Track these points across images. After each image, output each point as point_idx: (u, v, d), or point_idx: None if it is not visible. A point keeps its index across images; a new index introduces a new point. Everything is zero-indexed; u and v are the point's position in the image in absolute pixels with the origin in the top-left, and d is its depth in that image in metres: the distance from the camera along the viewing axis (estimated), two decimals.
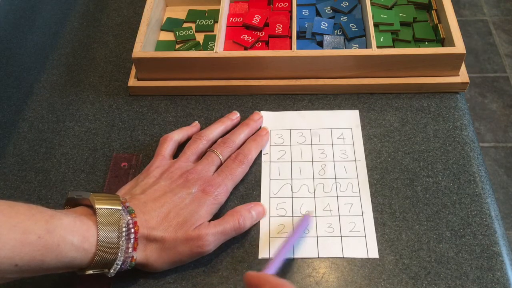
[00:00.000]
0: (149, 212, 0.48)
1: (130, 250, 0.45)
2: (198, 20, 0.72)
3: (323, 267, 0.50)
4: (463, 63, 0.62)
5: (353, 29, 0.66)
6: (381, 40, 0.65)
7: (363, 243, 0.51)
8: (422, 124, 0.60)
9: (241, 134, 0.58)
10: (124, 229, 0.44)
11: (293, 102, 0.63)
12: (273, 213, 0.53)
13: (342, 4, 0.70)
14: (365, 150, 0.58)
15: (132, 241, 0.45)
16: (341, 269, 0.49)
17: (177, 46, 0.69)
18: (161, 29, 0.72)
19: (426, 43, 0.65)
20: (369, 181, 0.55)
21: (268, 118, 0.62)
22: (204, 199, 0.50)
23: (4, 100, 0.66)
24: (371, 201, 0.54)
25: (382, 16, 0.67)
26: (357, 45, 0.65)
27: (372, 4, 0.68)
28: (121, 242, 0.44)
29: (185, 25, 0.72)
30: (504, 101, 1.70)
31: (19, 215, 0.41)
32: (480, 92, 1.73)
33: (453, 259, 0.50)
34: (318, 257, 0.50)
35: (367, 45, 0.64)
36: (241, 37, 0.67)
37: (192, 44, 0.68)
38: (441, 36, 0.64)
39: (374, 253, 0.50)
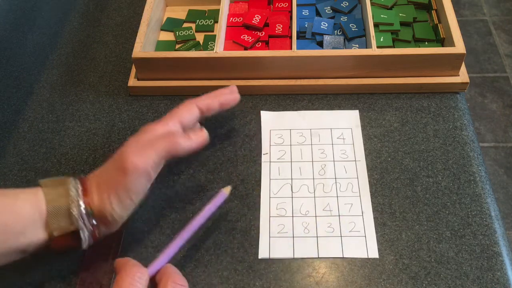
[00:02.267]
0: (95, 174, 0.48)
1: (80, 193, 0.46)
2: (198, 20, 0.72)
3: (323, 267, 0.50)
4: (463, 63, 0.62)
5: (353, 29, 0.66)
6: (381, 40, 0.65)
7: (363, 243, 0.51)
8: (422, 124, 0.60)
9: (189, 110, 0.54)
10: (72, 192, 0.45)
11: (293, 102, 0.63)
12: (273, 213, 0.53)
13: (342, 4, 0.70)
14: (365, 150, 0.58)
15: (84, 206, 0.45)
16: (341, 269, 0.49)
17: (177, 46, 0.69)
18: (161, 29, 0.72)
19: (426, 43, 0.65)
20: (369, 181, 0.55)
21: (268, 118, 0.62)
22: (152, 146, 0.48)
23: (4, 100, 0.66)
24: (371, 201, 0.54)
25: (382, 16, 0.67)
26: (357, 45, 0.65)
27: (372, 4, 0.68)
28: (69, 203, 0.45)
29: (185, 25, 0.72)
30: (504, 101, 1.70)
31: None
32: (480, 92, 1.72)
33: (453, 259, 0.50)
34: (318, 257, 0.50)
35: (367, 45, 0.64)
36: (241, 37, 0.67)
37: (192, 44, 0.68)
38: (441, 36, 0.64)
39: (374, 253, 0.50)
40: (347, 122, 0.61)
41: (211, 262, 0.50)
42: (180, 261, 0.51)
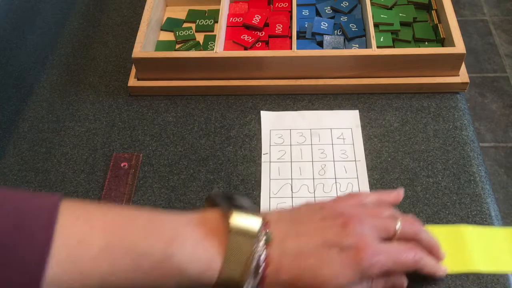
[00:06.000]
0: (286, 246, 0.40)
1: (255, 286, 0.39)
2: (198, 20, 0.72)
3: None
4: (463, 63, 0.62)
5: (353, 29, 0.66)
6: (381, 40, 0.65)
7: None
8: (422, 124, 0.60)
9: (430, 238, 0.46)
10: (253, 264, 0.38)
11: (293, 102, 0.63)
12: None
13: (342, 4, 0.70)
14: (365, 150, 0.58)
15: (259, 278, 0.39)
16: None
17: (177, 46, 0.69)
18: (161, 29, 0.72)
19: (426, 43, 0.65)
20: (369, 181, 0.55)
21: (268, 118, 0.62)
22: (350, 261, 0.40)
23: (4, 100, 0.66)
24: None
25: (382, 16, 0.67)
26: (357, 45, 0.65)
27: (372, 4, 0.68)
28: (246, 276, 0.38)
29: (185, 25, 0.72)
30: (504, 101, 1.70)
31: (137, 233, 0.37)
32: (480, 92, 1.72)
33: None
34: None
35: (367, 45, 0.64)
36: (241, 37, 0.67)
37: (192, 44, 0.68)
38: (441, 36, 0.64)
39: None
40: (347, 122, 0.61)
41: None
42: None
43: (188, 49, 0.68)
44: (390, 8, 0.68)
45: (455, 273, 0.48)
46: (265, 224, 0.40)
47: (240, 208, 0.40)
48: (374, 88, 0.63)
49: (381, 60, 0.61)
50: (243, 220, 0.39)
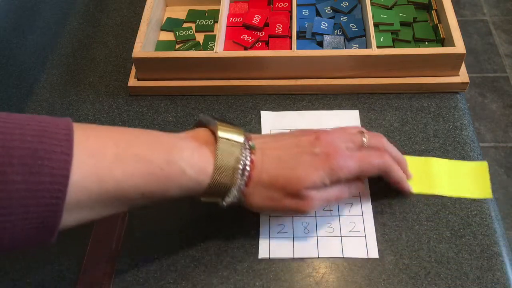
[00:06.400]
0: (267, 153, 0.47)
1: (242, 186, 0.46)
2: (198, 20, 0.72)
3: (323, 267, 0.50)
4: (463, 63, 0.62)
5: (353, 29, 0.66)
6: (381, 40, 0.65)
7: (363, 243, 0.51)
8: (422, 124, 0.60)
9: (396, 151, 0.53)
10: (240, 166, 0.45)
11: (293, 102, 0.63)
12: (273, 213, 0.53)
13: (342, 4, 0.70)
14: None
15: (245, 179, 0.45)
16: (341, 269, 0.49)
17: (177, 46, 0.69)
18: (161, 29, 0.72)
19: (426, 43, 0.65)
20: (369, 181, 0.55)
21: (268, 118, 0.62)
22: (322, 164, 0.47)
23: (4, 100, 0.66)
24: (371, 201, 0.54)
25: (382, 16, 0.67)
26: (357, 45, 0.65)
27: (372, 4, 0.68)
28: (235, 178, 0.45)
29: (185, 25, 0.72)
30: (504, 101, 1.70)
31: (142, 146, 0.42)
32: (480, 92, 1.73)
33: (453, 259, 0.50)
34: (318, 257, 0.50)
35: (367, 45, 0.64)
36: (241, 37, 0.67)
37: (192, 44, 0.68)
38: (441, 36, 0.64)
39: (374, 253, 0.50)
40: (347, 122, 0.61)
41: (211, 262, 0.50)
42: (180, 261, 0.51)
43: (188, 49, 0.68)
44: (390, 8, 0.68)
45: (420, 194, 0.54)
46: (248, 137, 0.47)
47: (227, 124, 0.47)
48: (374, 88, 0.63)
49: (381, 60, 0.61)
50: (229, 133, 0.46)
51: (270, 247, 0.51)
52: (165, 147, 0.43)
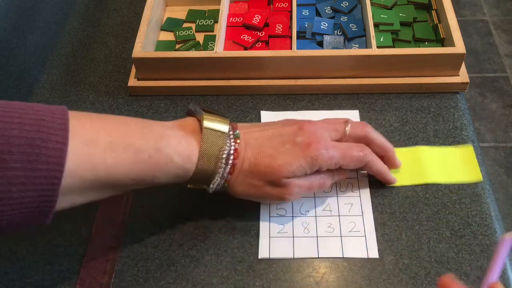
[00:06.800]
0: (250, 142, 0.49)
1: (226, 174, 0.48)
2: (198, 20, 0.72)
3: (323, 267, 0.50)
4: (463, 63, 0.62)
5: (353, 29, 0.66)
6: (381, 40, 0.65)
7: (363, 243, 0.51)
8: (422, 124, 0.60)
9: (382, 139, 0.54)
10: (224, 155, 0.47)
11: (293, 102, 0.63)
12: (273, 213, 0.53)
13: (342, 4, 0.70)
14: None
15: (229, 167, 0.47)
16: (341, 269, 0.49)
17: (177, 46, 0.69)
18: (161, 29, 0.72)
19: (426, 43, 0.65)
20: (369, 181, 0.55)
21: (268, 118, 0.62)
22: (303, 153, 0.48)
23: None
24: (371, 201, 0.54)
25: (382, 16, 0.67)
26: (357, 45, 0.65)
27: (372, 4, 0.68)
28: (218, 166, 0.47)
29: (185, 25, 0.72)
30: (504, 101, 1.70)
31: (133, 135, 0.45)
32: (480, 92, 1.73)
33: (453, 259, 0.50)
34: (318, 257, 0.50)
35: (367, 45, 0.64)
36: (241, 37, 0.67)
37: (192, 44, 0.68)
38: (441, 36, 0.64)
39: (374, 253, 0.50)
40: None
41: (211, 262, 0.50)
42: (180, 261, 0.51)
43: (188, 49, 0.68)
44: (390, 8, 0.68)
45: (413, 185, 0.55)
46: (233, 126, 0.49)
47: (213, 114, 0.49)
48: (374, 88, 0.63)
49: (381, 60, 0.61)
50: (214, 123, 0.48)
51: (270, 247, 0.51)
52: (155, 136, 0.46)
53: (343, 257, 0.50)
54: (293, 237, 0.52)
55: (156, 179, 0.46)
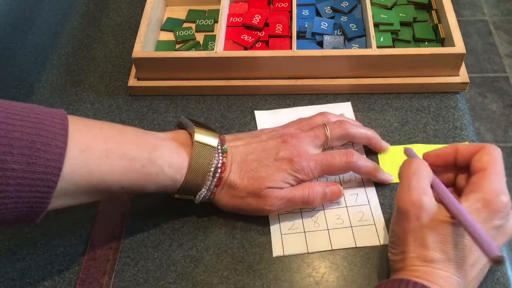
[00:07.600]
0: (236, 158, 0.50)
1: (212, 187, 0.49)
2: (198, 20, 0.72)
3: (323, 267, 0.50)
4: (463, 63, 0.62)
5: (353, 29, 0.66)
6: (381, 40, 0.65)
7: (373, 231, 0.51)
8: (422, 124, 0.60)
9: (363, 130, 0.55)
10: (212, 169, 0.49)
11: (293, 102, 0.63)
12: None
13: (342, 4, 0.70)
14: (365, 150, 0.58)
15: (216, 180, 0.49)
16: (341, 269, 0.49)
17: (177, 46, 0.69)
18: (161, 29, 0.72)
19: (426, 43, 0.65)
20: (368, 181, 0.55)
21: (262, 117, 0.62)
22: (285, 167, 0.50)
23: None
24: (376, 189, 0.54)
25: (382, 16, 0.67)
26: (357, 45, 0.65)
27: (372, 4, 0.68)
28: (206, 179, 0.49)
29: (185, 25, 0.72)
30: (504, 101, 1.70)
31: (128, 143, 0.46)
32: (480, 92, 1.72)
33: None
34: (332, 250, 0.50)
35: (367, 45, 0.64)
36: (241, 37, 0.67)
37: (192, 44, 0.68)
38: (441, 36, 0.64)
39: (385, 240, 0.50)
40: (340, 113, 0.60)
41: (211, 262, 0.50)
42: (180, 261, 0.51)
43: (188, 49, 0.68)
44: (390, 8, 0.68)
45: None
46: (222, 140, 0.51)
47: (203, 128, 0.50)
48: (374, 88, 0.63)
49: (381, 60, 0.61)
50: (204, 137, 0.49)
51: (284, 244, 0.51)
52: (148, 146, 0.47)
53: (356, 247, 0.50)
54: (304, 232, 0.52)
55: (145, 188, 0.47)
